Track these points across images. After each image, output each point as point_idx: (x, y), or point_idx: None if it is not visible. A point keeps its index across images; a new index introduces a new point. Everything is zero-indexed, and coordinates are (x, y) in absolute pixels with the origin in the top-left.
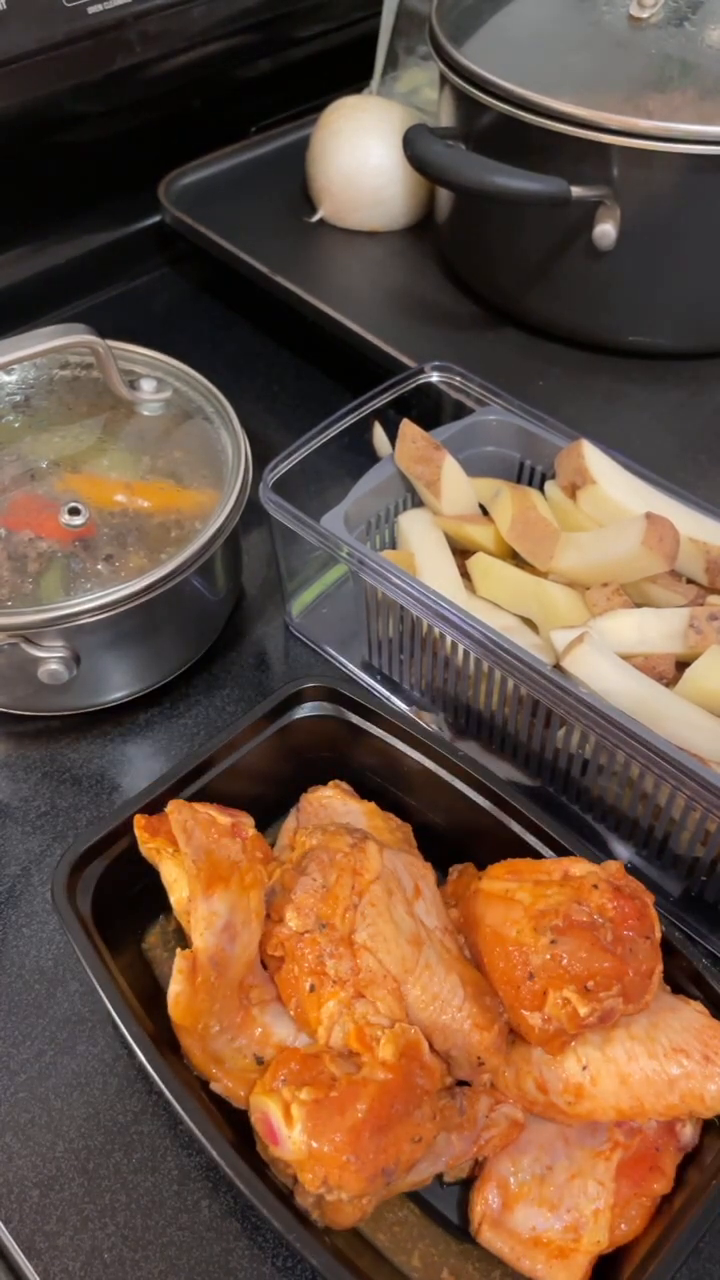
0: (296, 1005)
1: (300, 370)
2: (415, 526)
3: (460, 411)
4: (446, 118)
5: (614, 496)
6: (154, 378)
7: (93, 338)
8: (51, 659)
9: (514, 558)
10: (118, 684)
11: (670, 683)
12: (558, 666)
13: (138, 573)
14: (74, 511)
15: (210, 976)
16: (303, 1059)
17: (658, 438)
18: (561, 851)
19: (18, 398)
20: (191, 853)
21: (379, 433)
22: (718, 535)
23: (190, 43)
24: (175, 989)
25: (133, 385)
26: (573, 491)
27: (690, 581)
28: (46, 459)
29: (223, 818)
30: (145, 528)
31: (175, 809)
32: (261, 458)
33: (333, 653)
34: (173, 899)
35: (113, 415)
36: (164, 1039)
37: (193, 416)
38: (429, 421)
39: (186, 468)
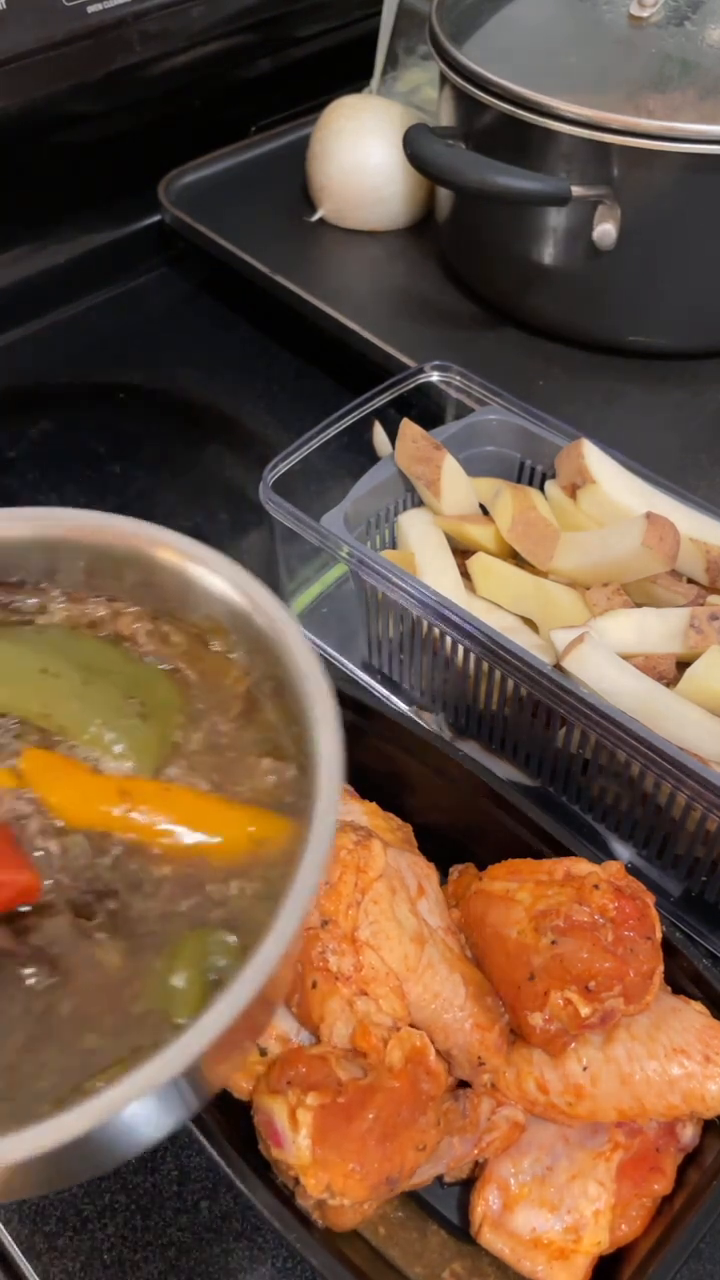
0: (299, 1001)
1: (300, 370)
2: (415, 526)
3: (460, 411)
4: (447, 117)
5: (614, 496)
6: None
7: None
8: None
9: (514, 558)
10: None
11: (671, 683)
12: (558, 666)
13: (100, 985)
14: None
15: None
16: (309, 1061)
17: (658, 437)
18: (562, 851)
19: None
20: None
21: (379, 433)
22: (718, 535)
23: (190, 42)
24: None
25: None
26: (573, 491)
27: (691, 581)
28: (7, 713)
29: None
30: (139, 884)
31: None
32: (262, 458)
33: (333, 653)
34: None
35: (140, 636)
36: None
37: (266, 664)
38: (429, 421)
39: (235, 761)
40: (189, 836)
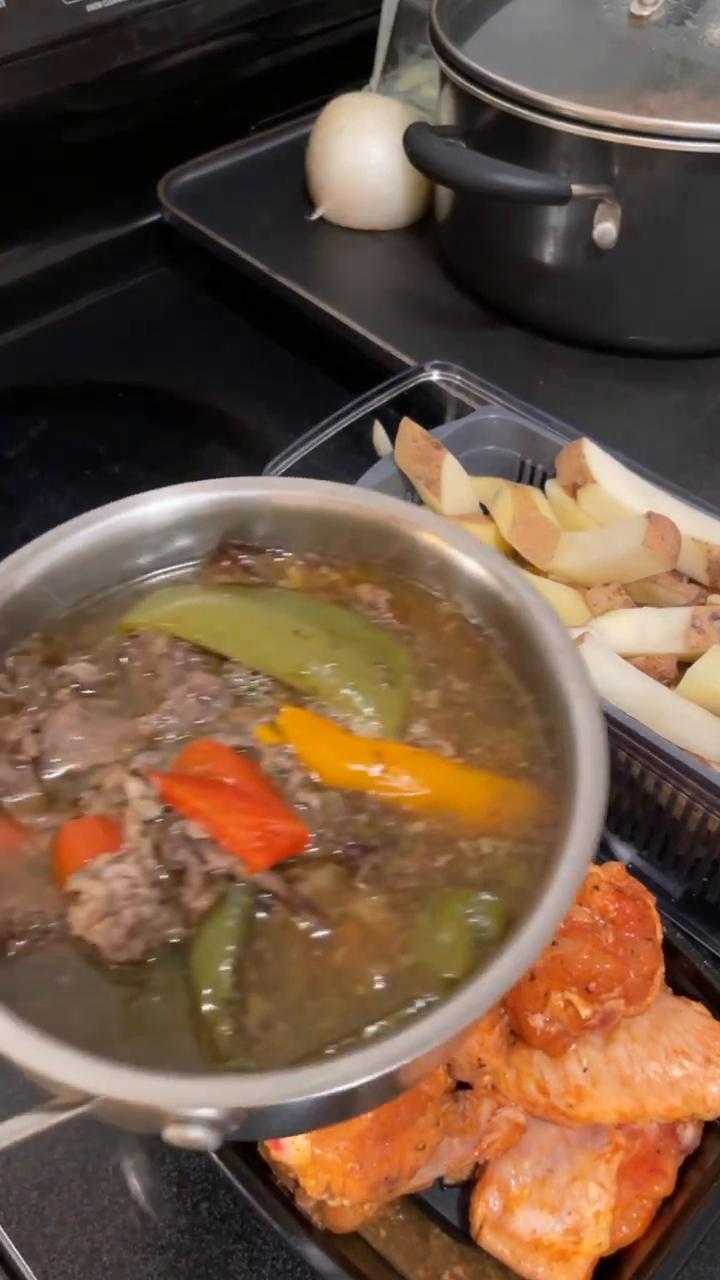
0: None
1: (300, 370)
2: None
3: (460, 411)
4: (447, 116)
5: (615, 496)
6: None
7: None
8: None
9: (515, 557)
10: None
11: (672, 683)
12: None
13: (362, 938)
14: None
15: None
16: None
17: (658, 437)
18: None
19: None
20: None
21: (379, 432)
22: (719, 535)
23: (189, 41)
24: None
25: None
26: (574, 491)
27: (692, 581)
28: (255, 670)
29: None
30: (396, 839)
31: None
32: (261, 457)
33: None
34: None
35: (379, 605)
36: None
37: (511, 641)
38: (429, 421)
39: (486, 731)
40: (438, 796)
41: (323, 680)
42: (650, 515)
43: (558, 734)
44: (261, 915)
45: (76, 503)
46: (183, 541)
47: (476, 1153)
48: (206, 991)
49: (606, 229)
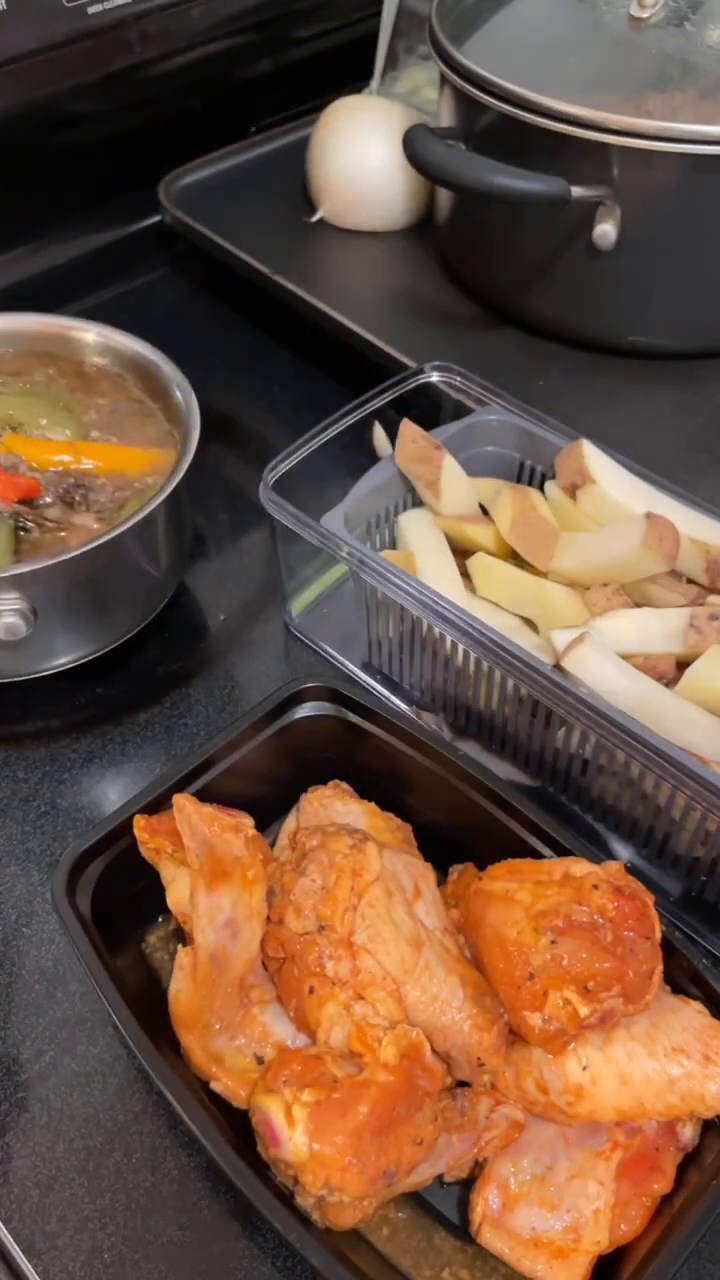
0: (296, 1006)
1: (300, 370)
2: (415, 526)
3: (460, 411)
4: (446, 118)
5: (614, 496)
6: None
7: None
8: (7, 611)
9: (514, 558)
10: (73, 643)
11: (671, 683)
12: (558, 666)
13: (84, 530)
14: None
15: (211, 973)
16: (304, 1060)
17: (658, 438)
18: (562, 851)
19: None
20: (195, 846)
21: (379, 433)
22: (718, 535)
23: (190, 42)
24: (176, 985)
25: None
26: (573, 491)
27: (690, 581)
28: None
29: (225, 816)
30: (90, 486)
31: (180, 802)
32: (261, 458)
33: (333, 653)
34: (171, 898)
35: (55, 376)
36: (164, 1039)
37: (139, 378)
38: (429, 421)
39: (132, 427)
40: (113, 464)
41: (26, 417)
42: (649, 516)
43: (174, 422)
44: (23, 533)
45: None
46: None
47: (475, 1150)
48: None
49: (606, 230)
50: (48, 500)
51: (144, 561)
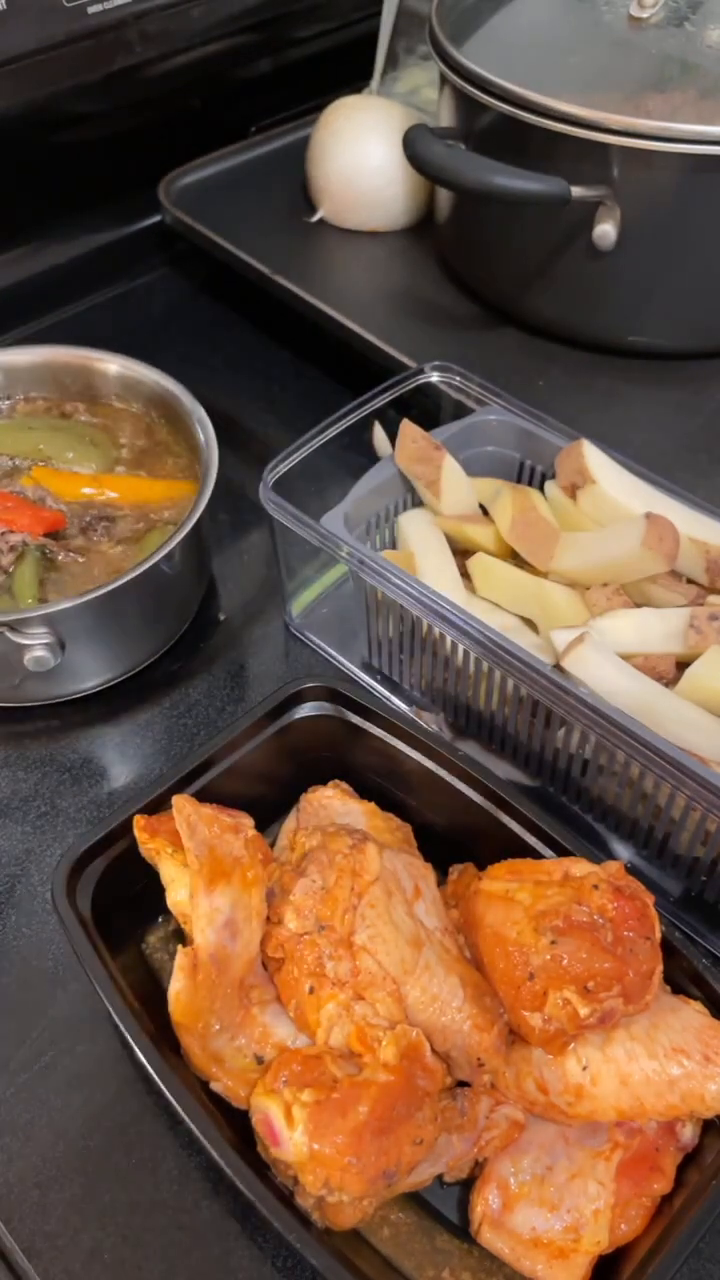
0: (296, 1007)
1: (300, 370)
2: (415, 526)
3: (460, 411)
4: (446, 118)
5: (614, 496)
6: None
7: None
8: (37, 645)
9: (514, 558)
10: (100, 668)
11: (670, 683)
12: (558, 666)
13: (108, 562)
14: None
15: (211, 973)
16: (304, 1060)
17: (658, 438)
18: (561, 851)
19: None
20: (194, 847)
21: (379, 433)
22: (718, 535)
23: (190, 43)
24: (176, 986)
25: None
26: (573, 491)
27: (690, 581)
28: (14, 456)
29: (224, 817)
30: (114, 518)
31: (180, 803)
32: (261, 458)
33: (333, 653)
34: (170, 899)
35: (79, 411)
36: (164, 1039)
37: (160, 411)
38: (429, 421)
39: (154, 460)
40: (135, 497)
41: (53, 451)
42: (649, 516)
43: (194, 460)
44: (48, 562)
45: None
46: None
47: (476, 1150)
48: (28, 600)
49: (606, 230)
50: (73, 532)
51: (167, 591)
